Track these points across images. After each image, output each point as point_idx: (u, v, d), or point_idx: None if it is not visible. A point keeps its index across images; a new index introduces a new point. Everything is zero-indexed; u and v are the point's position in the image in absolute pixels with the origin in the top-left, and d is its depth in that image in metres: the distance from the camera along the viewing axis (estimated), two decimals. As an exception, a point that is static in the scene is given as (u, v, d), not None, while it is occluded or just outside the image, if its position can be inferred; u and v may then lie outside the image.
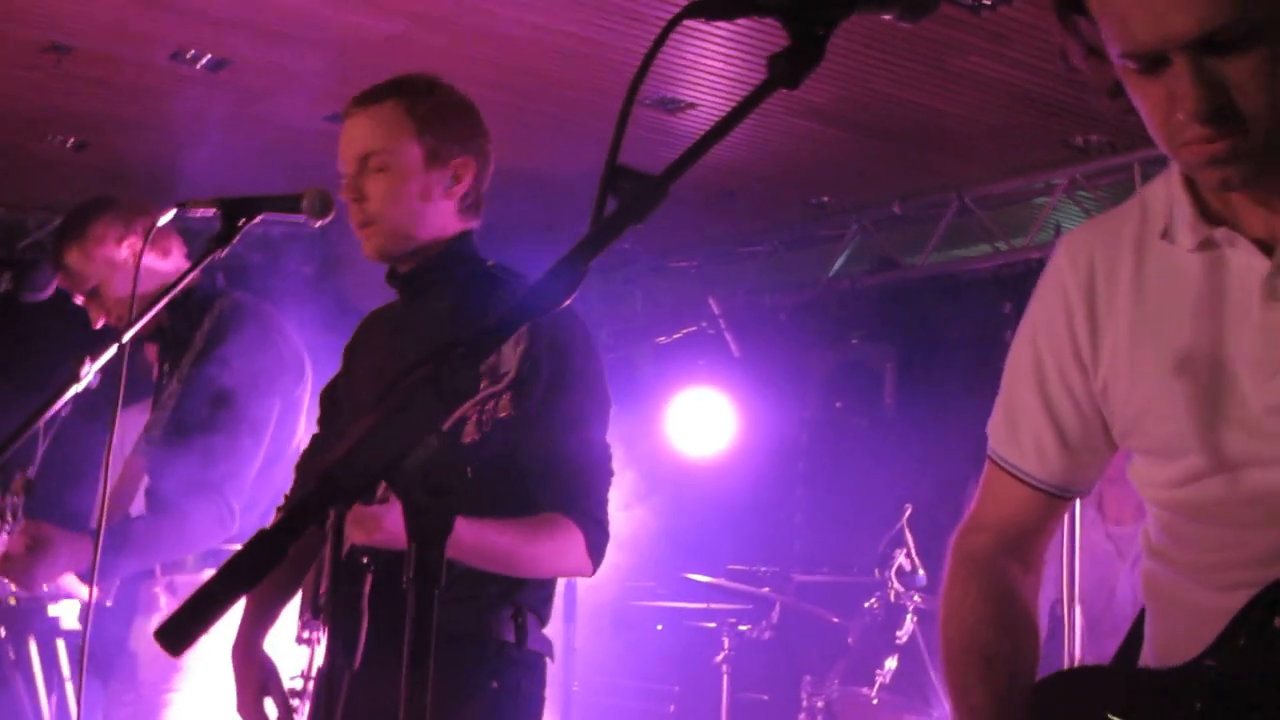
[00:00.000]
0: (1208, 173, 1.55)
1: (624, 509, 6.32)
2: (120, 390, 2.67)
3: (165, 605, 3.41)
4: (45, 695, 3.86)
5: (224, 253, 2.60)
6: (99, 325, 3.58)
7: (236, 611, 2.69)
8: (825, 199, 7.23)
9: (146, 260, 3.51)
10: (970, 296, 6.87)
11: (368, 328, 2.79)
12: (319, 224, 2.57)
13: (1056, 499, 1.87)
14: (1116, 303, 1.71)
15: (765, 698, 6.17)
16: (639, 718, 6.95)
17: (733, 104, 1.28)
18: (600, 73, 5.43)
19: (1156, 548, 1.78)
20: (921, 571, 5.13)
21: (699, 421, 7.43)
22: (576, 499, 2.44)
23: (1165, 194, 1.70)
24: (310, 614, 2.44)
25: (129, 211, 3.55)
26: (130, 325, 2.62)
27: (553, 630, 2.64)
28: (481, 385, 1.68)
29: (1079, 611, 4.19)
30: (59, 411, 2.61)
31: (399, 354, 2.61)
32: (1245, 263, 1.61)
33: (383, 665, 2.25)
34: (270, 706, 2.57)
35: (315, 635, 2.41)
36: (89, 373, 2.53)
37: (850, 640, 5.28)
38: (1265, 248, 1.60)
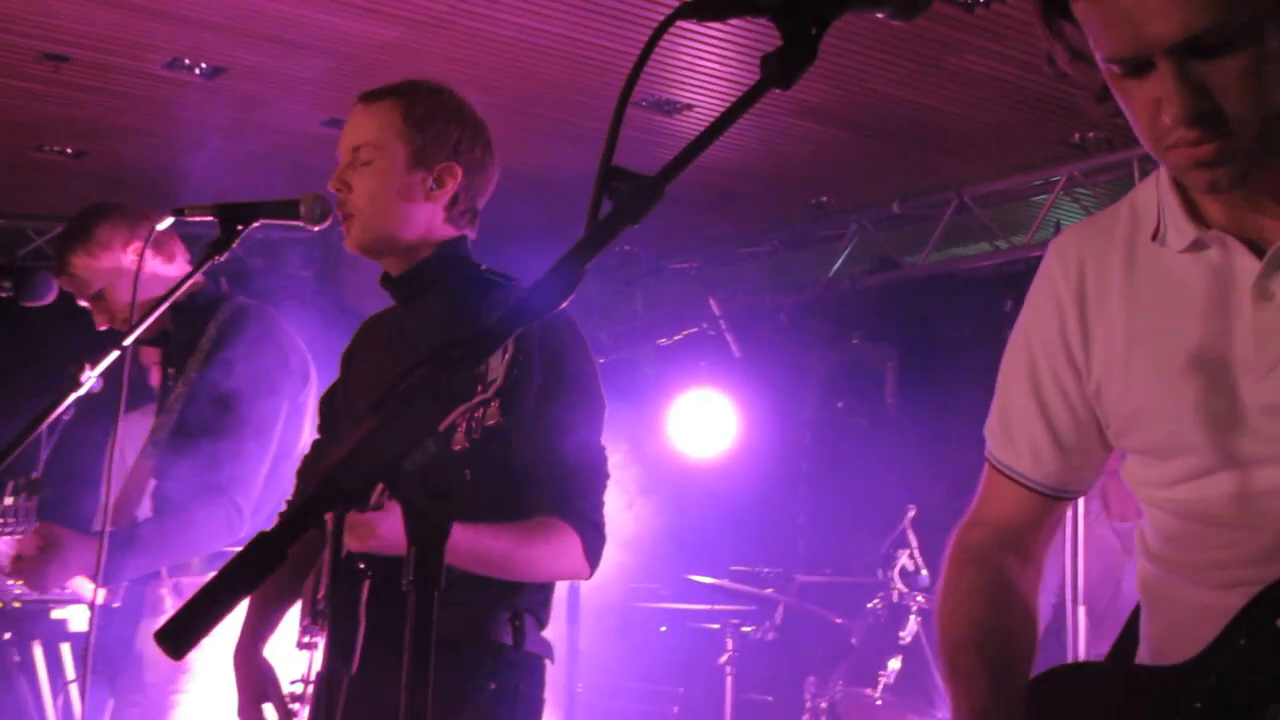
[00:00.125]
0: (1195, 175, 1.55)
1: (626, 509, 6.33)
2: (122, 394, 2.68)
3: (171, 607, 3.43)
4: (50, 698, 3.87)
5: (223, 258, 2.61)
6: (103, 328, 3.60)
7: (242, 613, 2.71)
8: (824, 199, 7.24)
9: (151, 266, 3.53)
10: (970, 295, 6.87)
11: (365, 333, 2.80)
12: (317, 229, 2.58)
13: (1053, 500, 1.88)
14: (1108, 305, 1.72)
15: (769, 699, 6.18)
16: (643, 719, 6.95)
17: (729, 105, 1.29)
18: (596, 75, 5.44)
19: (1152, 547, 1.78)
20: (924, 572, 5.14)
21: (701, 423, 7.43)
22: (572, 502, 2.44)
23: (1155, 196, 1.70)
24: (309, 619, 2.44)
25: (133, 217, 3.58)
26: (134, 328, 2.63)
27: (556, 632, 2.64)
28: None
29: (1083, 609, 4.20)
30: (62, 416, 2.62)
31: (396, 359, 2.62)
32: (1236, 264, 1.62)
33: (380, 669, 2.26)
34: (270, 711, 2.58)
35: (315, 640, 2.41)
36: (90, 377, 2.54)
37: (854, 641, 5.28)
38: (1255, 248, 1.61)
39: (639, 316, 8.61)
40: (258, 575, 1.11)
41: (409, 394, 1.21)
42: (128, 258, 3.53)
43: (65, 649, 3.85)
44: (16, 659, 3.83)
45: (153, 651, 3.40)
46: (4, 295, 3.33)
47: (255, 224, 2.60)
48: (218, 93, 5.74)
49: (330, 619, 2.35)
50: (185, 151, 5.65)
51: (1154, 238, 1.69)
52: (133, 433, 3.59)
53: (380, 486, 2.12)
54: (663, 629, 7.27)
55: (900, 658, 4.96)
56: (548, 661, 2.56)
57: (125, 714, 3.45)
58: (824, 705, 5.04)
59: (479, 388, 1.64)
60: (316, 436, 2.87)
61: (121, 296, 3.53)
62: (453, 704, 2.35)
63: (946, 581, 1.90)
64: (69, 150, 6.65)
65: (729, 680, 5.64)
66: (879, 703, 4.91)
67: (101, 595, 3.32)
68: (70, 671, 3.83)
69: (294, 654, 2.49)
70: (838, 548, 6.98)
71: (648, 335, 8.26)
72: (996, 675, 1.78)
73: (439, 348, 1.24)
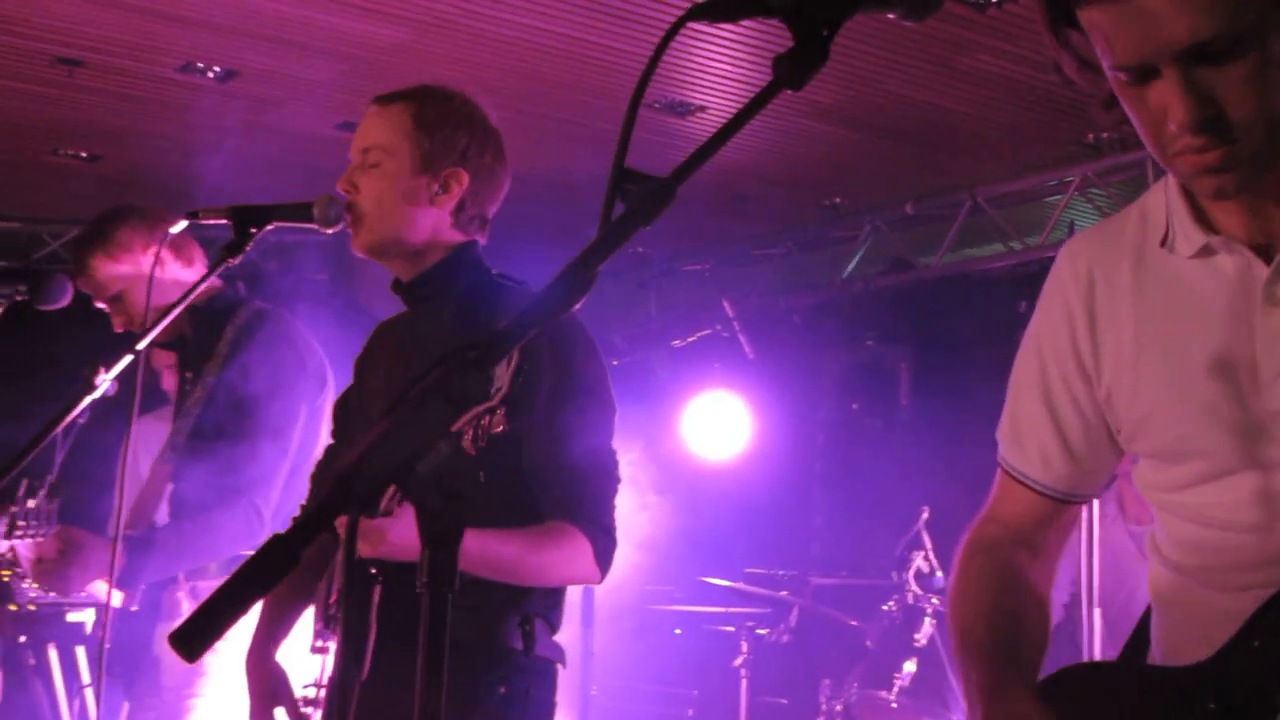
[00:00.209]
0: (1201, 182, 1.56)
1: (641, 510, 6.33)
2: (136, 398, 2.69)
3: (188, 611, 3.43)
4: (66, 701, 3.88)
5: (236, 261, 2.62)
6: (120, 330, 3.61)
7: (256, 617, 2.72)
8: (838, 200, 7.23)
9: (171, 270, 3.55)
10: (984, 296, 6.86)
11: (378, 338, 2.80)
12: (331, 231, 2.59)
13: (1063, 503, 1.90)
14: (1118, 311, 1.74)
15: (784, 701, 6.17)
16: (657, 722, 6.95)
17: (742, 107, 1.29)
18: (609, 77, 5.44)
19: (1163, 551, 1.80)
20: (939, 574, 5.13)
21: (714, 425, 7.42)
22: (583, 507, 2.44)
23: (1164, 201, 1.71)
24: (322, 623, 2.45)
25: (152, 220, 3.59)
26: (148, 331, 2.64)
27: (571, 635, 2.64)
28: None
29: (1098, 611, 4.18)
30: (77, 419, 2.63)
31: (407, 364, 2.62)
32: (1244, 269, 1.63)
33: (392, 673, 2.26)
34: (281, 715, 2.58)
35: (328, 644, 2.42)
36: (104, 380, 2.55)
37: (868, 643, 5.27)
38: (1263, 253, 1.62)
39: (653, 319, 8.61)
40: (271, 579, 1.11)
41: (422, 397, 1.21)
42: (147, 260, 3.54)
43: (80, 652, 3.87)
44: (32, 662, 3.85)
45: (170, 655, 3.41)
46: (19, 298, 3.34)
47: (269, 227, 2.60)
48: (231, 96, 5.76)
49: (342, 623, 2.35)
50: (199, 155, 5.67)
51: (1163, 244, 1.70)
52: (146, 437, 3.60)
53: (390, 492, 2.13)
54: (677, 631, 7.27)
55: (915, 660, 4.95)
56: (560, 666, 2.56)
57: (141, 717, 3.46)
58: (839, 708, 5.04)
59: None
60: (330, 440, 2.88)
61: (141, 299, 3.54)
62: (462, 708, 2.35)
63: (957, 571, 1.92)
64: (83, 154, 6.68)
65: (744, 683, 5.63)
66: (894, 705, 4.90)
67: (119, 598, 3.33)
68: (85, 675, 3.84)
69: (307, 658, 2.49)
70: (852, 550, 6.97)
71: (661, 337, 8.26)
72: (1007, 651, 1.79)
73: (451, 350, 1.24)
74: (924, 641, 4.97)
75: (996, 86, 5.41)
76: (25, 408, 3.51)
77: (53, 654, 3.84)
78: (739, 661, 5.64)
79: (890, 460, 6.87)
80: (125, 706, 3.52)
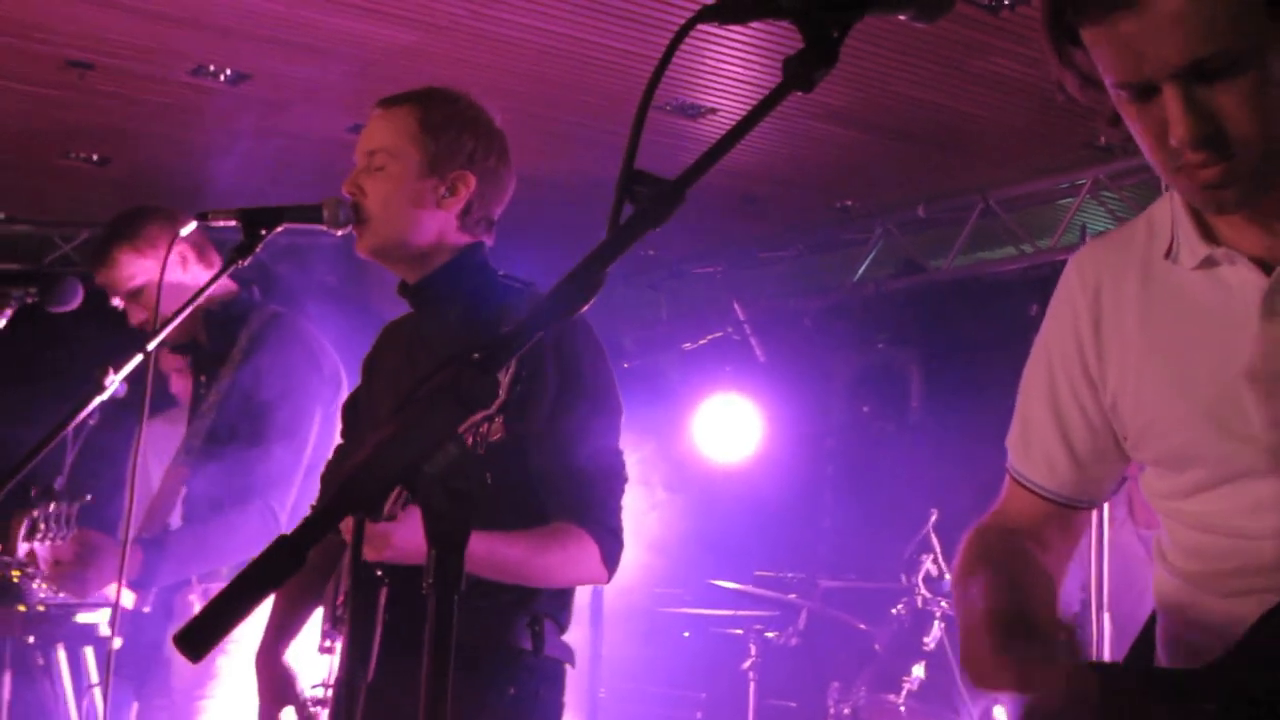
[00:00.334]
0: (1202, 197, 1.61)
1: (651, 510, 6.34)
2: (146, 399, 2.70)
3: (199, 613, 3.43)
4: (74, 701, 3.89)
5: (246, 263, 2.62)
6: (136, 324, 3.61)
7: (266, 618, 2.72)
8: (849, 203, 7.22)
9: (194, 271, 3.57)
10: (996, 299, 6.85)
11: (386, 339, 2.81)
12: (340, 233, 2.59)
13: (1069, 509, 1.92)
14: (1122, 321, 1.77)
15: (792, 705, 6.16)
16: (666, 725, 6.95)
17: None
18: (619, 79, 5.45)
19: (1168, 556, 1.82)
20: (949, 577, 5.11)
21: (725, 427, 7.42)
22: (589, 509, 2.44)
23: (1170, 213, 1.75)
24: (330, 624, 2.45)
25: (177, 220, 3.61)
26: (157, 332, 2.64)
27: (579, 637, 2.64)
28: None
29: (1107, 616, 4.17)
30: (87, 421, 2.63)
31: (415, 365, 2.62)
32: (1245, 280, 1.66)
33: (398, 676, 2.27)
34: (290, 715, 2.59)
35: (336, 644, 2.42)
36: (113, 382, 2.55)
37: (877, 647, 5.26)
38: (1264, 265, 1.65)
39: (663, 321, 8.61)
40: (277, 579, 1.11)
41: (430, 397, 1.21)
42: (173, 256, 3.56)
43: (89, 652, 3.87)
44: (40, 662, 3.85)
45: (180, 657, 3.41)
46: (30, 300, 3.34)
47: (278, 229, 2.61)
48: (242, 99, 5.77)
49: (349, 625, 2.36)
50: (210, 158, 5.68)
51: (1167, 255, 1.73)
52: (154, 439, 3.60)
53: (394, 496, 2.14)
54: (686, 634, 7.27)
55: (924, 664, 4.95)
56: (568, 666, 2.56)
57: (151, 718, 3.46)
58: (847, 712, 5.03)
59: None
60: (339, 442, 2.88)
61: (162, 294, 3.54)
62: (471, 710, 2.35)
63: (961, 553, 1.93)
64: (94, 157, 6.70)
65: (752, 686, 5.62)
66: (903, 709, 4.89)
67: (131, 599, 3.34)
68: (94, 675, 3.85)
69: (316, 658, 2.50)
70: (862, 553, 6.96)
71: (672, 340, 8.26)
72: (1011, 593, 1.76)
73: (459, 351, 1.24)
74: (933, 645, 4.96)
75: (1009, 89, 5.40)
76: (35, 410, 3.52)
77: (61, 654, 3.85)
78: (747, 664, 5.63)
79: (900, 463, 6.87)
80: (134, 707, 3.53)
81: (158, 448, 3.61)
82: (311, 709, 2.53)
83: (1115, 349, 1.77)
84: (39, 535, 3.17)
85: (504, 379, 1.43)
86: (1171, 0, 1.47)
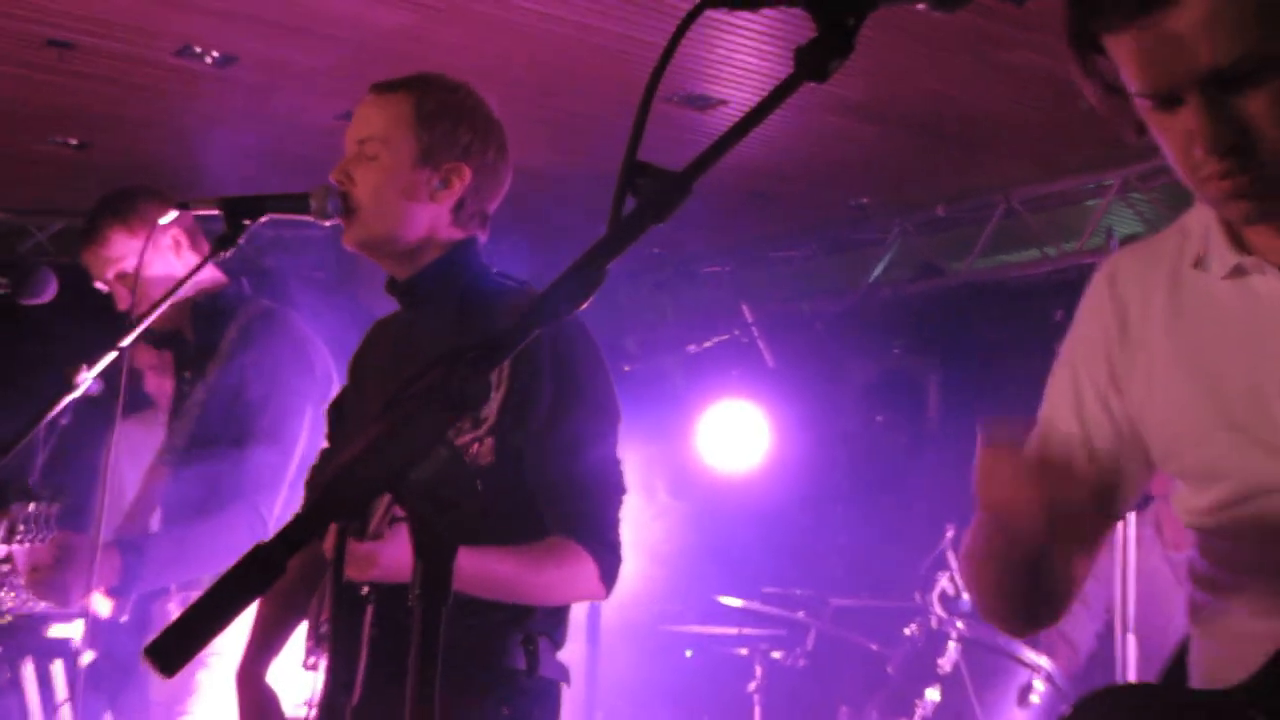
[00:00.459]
0: (1230, 207, 1.64)
1: (652, 523, 6.33)
2: (120, 398, 2.69)
3: (180, 624, 3.42)
4: (43, 717, 3.88)
5: (228, 254, 2.61)
6: (124, 307, 3.60)
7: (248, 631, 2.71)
8: (865, 201, 7.22)
9: (187, 259, 3.55)
10: (1018, 304, 6.85)
11: (374, 339, 2.80)
12: (329, 224, 2.58)
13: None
14: (1150, 331, 1.80)
15: (799, 729, 6.15)
16: (666, 748, 6.94)
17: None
18: (625, 67, 5.44)
19: (1199, 573, 1.84)
20: (965, 596, 5.10)
21: (731, 436, 7.41)
22: (586, 522, 2.43)
23: (1203, 221, 1.78)
24: (314, 640, 2.45)
25: (173, 202, 3.60)
26: (132, 328, 2.63)
27: (576, 655, 2.63)
28: (465, 427, 1.71)
29: (1132, 639, 4.17)
30: (58, 420, 2.62)
31: (403, 366, 2.61)
32: (1274, 289, 1.68)
33: (384, 699, 2.26)
34: None
35: (319, 661, 2.42)
36: (86, 379, 2.54)
37: (889, 669, 5.24)
38: None
39: (668, 323, 8.61)
40: (254, 589, 1.10)
41: (419, 398, 1.21)
42: (166, 240, 3.55)
43: (58, 667, 3.86)
44: (8, 675, 3.84)
45: (159, 671, 3.40)
46: (1, 292, 3.34)
47: (263, 219, 2.60)
48: (229, 82, 5.77)
49: (331, 647, 2.35)
50: (194, 144, 5.68)
51: (1196, 264, 1.76)
52: (127, 441, 3.59)
53: (380, 514, 2.13)
54: (688, 653, 7.25)
55: (939, 688, 4.93)
56: (564, 685, 2.56)
57: (127, 732, 3.46)
58: (857, 737, 5.02)
59: (469, 424, 1.66)
60: (324, 445, 2.87)
61: (152, 276, 3.52)
62: (463, 730, 2.34)
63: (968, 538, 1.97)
64: (73, 142, 6.69)
65: (757, 709, 5.62)
66: (915, 735, 4.88)
67: (108, 607, 3.33)
68: (62, 691, 3.84)
69: (299, 675, 2.49)
70: (874, 570, 6.95)
71: (677, 343, 8.25)
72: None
73: (450, 352, 1.23)
74: (948, 668, 4.95)
75: (1034, 83, 5.40)
76: (4, 408, 3.52)
77: (29, 669, 3.84)
78: (752, 686, 5.63)
79: (916, 476, 6.85)
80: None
81: (130, 450, 3.60)
82: (292, 729, 2.52)
83: (1142, 360, 1.80)
84: (17, 537, 3.16)
85: (495, 398, 1.43)
86: (1195, 8, 1.50)
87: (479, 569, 2.28)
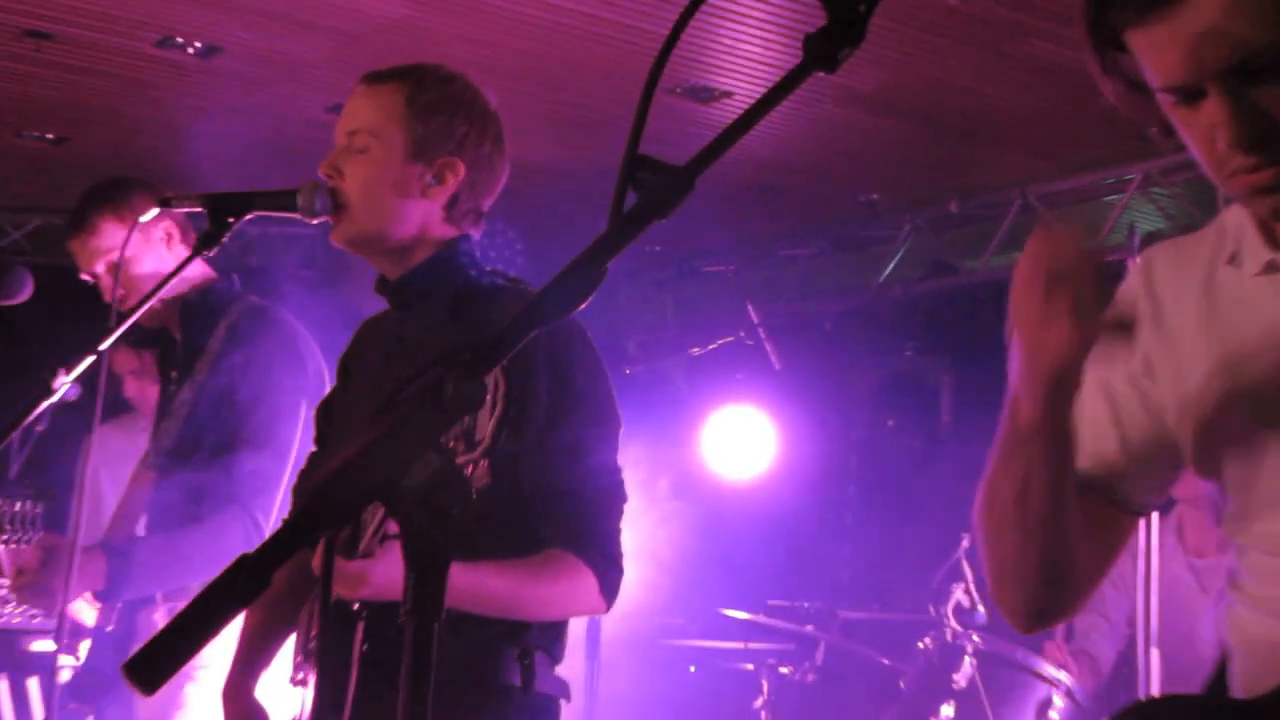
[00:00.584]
0: (1257, 202, 1.65)
1: (655, 531, 6.32)
2: (98, 402, 2.69)
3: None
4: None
5: (212, 253, 2.61)
6: (113, 300, 3.61)
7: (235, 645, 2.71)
8: (875, 197, 7.22)
9: (180, 253, 3.56)
10: (1035, 304, 6.83)
11: (363, 338, 2.79)
12: (317, 222, 2.58)
13: (1106, 504, 1.92)
14: (1184, 327, 1.80)
15: (808, 746, 6.14)
16: (669, 767, 6.93)
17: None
18: (626, 57, 5.44)
19: (1237, 583, 1.84)
20: (981, 608, 5.10)
21: (737, 441, 7.40)
22: (585, 535, 2.42)
23: (1238, 218, 1.78)
24: (303, 656, 2.44)
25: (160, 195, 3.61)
26: (111, 331, 2.63)
27: (575, 670, 2.63)
28: (459, 449, 1.71)
29: (1156, 653, 4.17)
30: (35, 426, 2.62)
31: (395, 366, 2.61)
32: None
33: (374, 718, 2.26)
34: None
35: (309, 677, 2.41)
36: (64, 384, 2.54)
37: (902, 684, 5.24)
38: None
39: (670, 324, 8.61)
40: (239, 602, 1.10)
41: (411, 403, 1.20)
42: (158, 232, 3.55)
43: (33, 684, 3.86)
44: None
45: (145, 685, 3.39)
46: (-25, 293, 3.34)
47: (248, 216, 2.60)
48: (212, 74, 5.77)
49: (320, 664, 2.34)
50: (176, 138, 5.68)
51: (1229, 261, 1.77)
52: (105, 448, 3.59)
53: (370, 533, 2.13)
54: (692, 668, 7.25)
55: (954, 704, 4.92)
56: (563, 701, 2.55)
57: (112, 748, 3.45)
58: (868, 755, 5.02)
59: (463, 446, 1.66)
60: (313, 449, 2.87)
61: (143, 268, 3.53)
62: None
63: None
64: (50, 136, 6.69)
65: (764, 726, 5.61)
66: (929, 753, 4.88)
67: (93, 615, 3.32)
68: (38, 711, 3.84)
69: (288, 690, 2.49)
70: (886, 581, 6.95)
71: (679, 344, 8.24)
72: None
73: (444, 354, 1.22)
74: (963, 683, 4.94)
75: (1051, 75, 5.40)
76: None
77: (3, 685, 3.84)
78: (759, 703, 5.62)
79: (928, 483, 6.84)
80: (93, 732, 3.51)
81: (108, 459, 3.60)
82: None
83: (1175, 355, 1.80)
84: (2, 537, 3.16)
85: (490, 419, 1.42)
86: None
87: (473, 584, 2.27)
